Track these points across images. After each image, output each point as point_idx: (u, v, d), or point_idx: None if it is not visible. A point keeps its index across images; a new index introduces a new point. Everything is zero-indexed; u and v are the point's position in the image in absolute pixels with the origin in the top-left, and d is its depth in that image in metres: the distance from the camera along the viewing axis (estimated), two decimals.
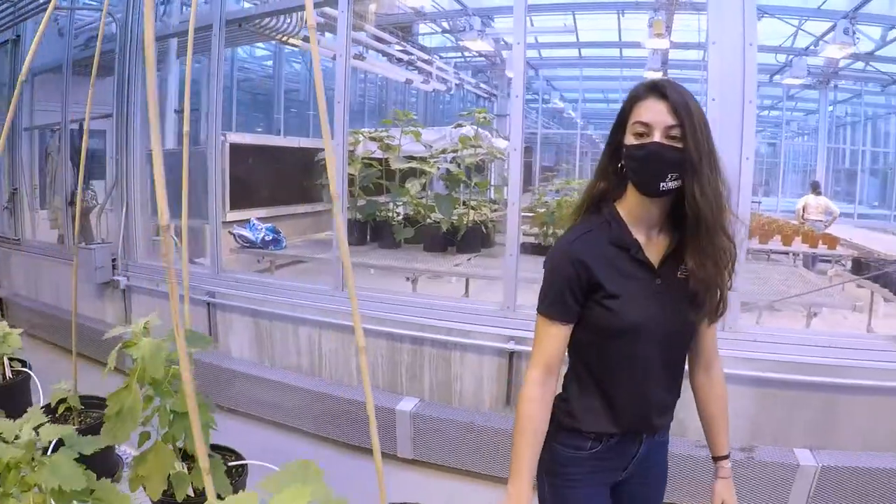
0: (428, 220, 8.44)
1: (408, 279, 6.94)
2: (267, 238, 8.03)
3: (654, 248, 2.07)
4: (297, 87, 15.53)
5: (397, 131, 8.62)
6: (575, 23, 14.74)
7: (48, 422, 1.81)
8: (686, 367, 2.25)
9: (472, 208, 8.84)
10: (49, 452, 1.81)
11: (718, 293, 2.04)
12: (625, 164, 1.99)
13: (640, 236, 2.05)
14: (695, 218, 1.93)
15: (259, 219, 8.40)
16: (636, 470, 2.20)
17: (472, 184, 8.79)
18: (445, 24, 14.52)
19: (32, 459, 1.74)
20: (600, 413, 2.12)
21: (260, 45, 14.28)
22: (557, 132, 27.47)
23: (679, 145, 1.90)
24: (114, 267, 7.06)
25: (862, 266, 8.91)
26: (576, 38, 16.08)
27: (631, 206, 2.05)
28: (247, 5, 7.90)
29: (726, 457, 2.27)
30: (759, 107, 23.75)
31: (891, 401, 4.40)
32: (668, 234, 2.07)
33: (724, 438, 2.26)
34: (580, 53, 18.30)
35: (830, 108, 20.96)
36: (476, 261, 7.68)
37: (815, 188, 12.87)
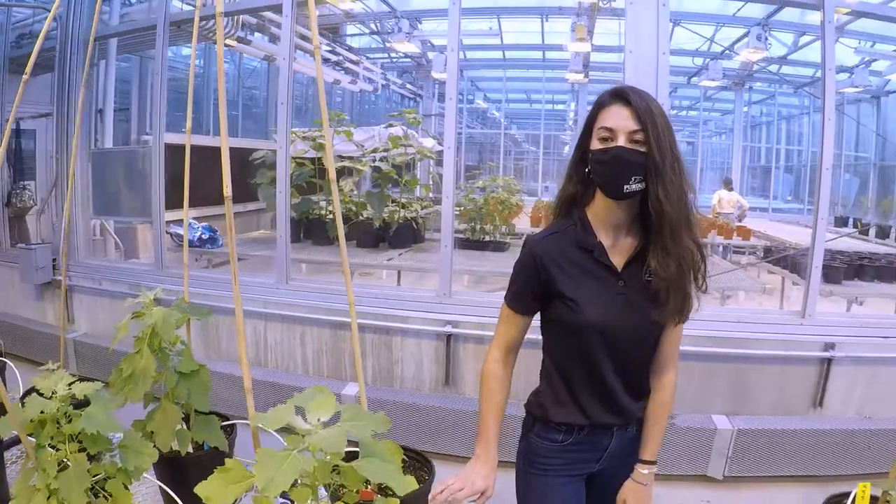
0: (360, 218, 8.80)
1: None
2: (203, 236, 8.26)
3: (620, 250, 2.15)
4: (226, 87, 15.62)
5: (329, 131, 8.89)
6: (500, 26, 15.20)
7: (77, 380, 2.14)
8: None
9: (403, 206, 9.22)
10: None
11: (683, 294, 2.08)
12: (591, 168, 2.08)
13: (606, 239, 2.14)
14: (658, 219, 2.01)
15: (194, 218, 8.61)
16: (610, 463, 2.28)
17: (403, 182, 9.15)
18: (374, 26, 14.80)
19: (66, 413, 2.07)
20: (568, 405, 2.22)
21: (188, 44, 14.33)
22: (481, 131, 27.91)
23: (642, 149, 1.98)
24: (54, 267, 7.13)
25: (773, 254, 9.61)
26: (500, 41, 16.56)
27: (598, 210, 2.15)
28: (186, 7, 8.08)
29: (648, 463, 2.30)
30: (678, 107, 24.78)
31: (794, 368, 5.02)
32: (635, 236, 2.15)
33: (653, 445, 2.28)
34: (504, 55, 18.76)
35: (746, 108, 21.87)
36: (408, 255, 8.08)
37: (728, 184, 14.27)
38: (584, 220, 2.16)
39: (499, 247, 9.37)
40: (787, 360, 5.04)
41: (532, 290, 2.18)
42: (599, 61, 16.70)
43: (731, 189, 13.97)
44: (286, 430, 1.70)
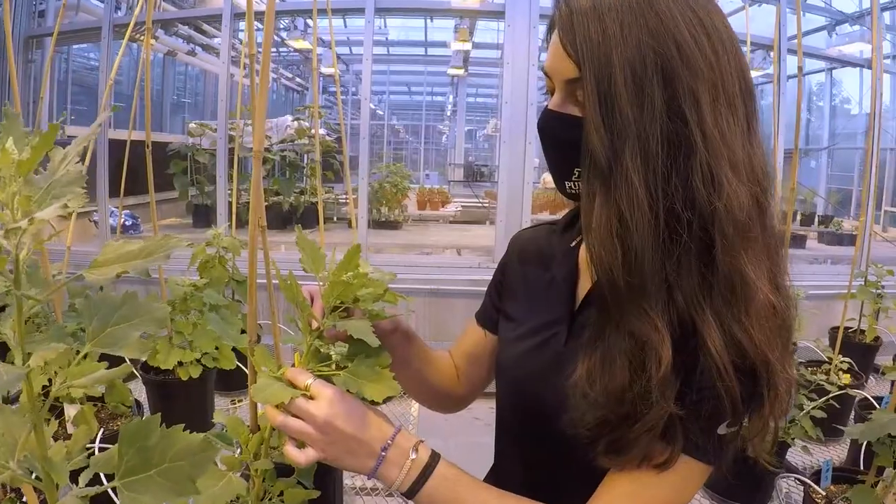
0: (270, 201, 10.14)
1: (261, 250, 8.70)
2: (126, 223, 9.36)
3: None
4: (121, 80, 16.09)
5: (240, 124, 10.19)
6: (385, 25, 16.45)
7: None
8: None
9: (305, 192, 10.67)
10: None
11: (616, 427, 0.98)
12: None
13: None
14: (595, 267, 1.02)
15: (114, 207, 9.69)
16: None
17: (307, 169, 10.56)
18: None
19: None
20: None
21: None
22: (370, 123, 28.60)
23: (580, 114, 1.04)
24: None
25: None
26: (385, 38, 17.76)
27: None
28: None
29: None
30: None
31: None
32: None
33: None
34: (388, 51, 19.87)
35: None
36: (316, 233, 9.57)
37: None
38: (576, 214, 1.30)
39: (393, 226, 11.01)
40: None
41: (493, 292, 1.49)
42: (480, 56, 17.49)
43: None
44: None
